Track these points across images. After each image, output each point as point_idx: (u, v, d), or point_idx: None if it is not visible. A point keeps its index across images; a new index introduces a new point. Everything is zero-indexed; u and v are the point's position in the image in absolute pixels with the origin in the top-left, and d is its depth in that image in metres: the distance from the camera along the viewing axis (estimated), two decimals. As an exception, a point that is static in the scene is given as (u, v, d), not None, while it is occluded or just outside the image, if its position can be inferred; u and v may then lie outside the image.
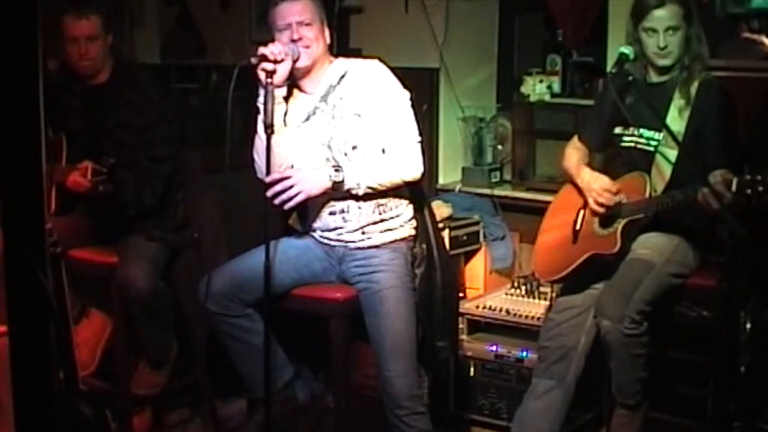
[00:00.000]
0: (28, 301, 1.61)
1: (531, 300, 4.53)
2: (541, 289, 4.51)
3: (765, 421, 3.68)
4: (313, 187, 3.48)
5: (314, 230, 3.69)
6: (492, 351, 4.33)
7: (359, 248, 3.61)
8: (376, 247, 3.60)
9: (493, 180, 5.12)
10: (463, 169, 5.21)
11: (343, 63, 3.67)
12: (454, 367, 4.34)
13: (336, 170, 3.48)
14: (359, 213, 3.59)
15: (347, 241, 3.62)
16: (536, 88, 4.97)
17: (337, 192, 3.51)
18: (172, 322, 4.15)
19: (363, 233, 3.60)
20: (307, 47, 3.54)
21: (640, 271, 3.56)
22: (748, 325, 3.43)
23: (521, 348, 4.27)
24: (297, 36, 3.52)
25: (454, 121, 5.27)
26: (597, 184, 3.72)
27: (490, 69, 5.50)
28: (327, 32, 3.64)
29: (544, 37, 5.33)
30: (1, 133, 1.54)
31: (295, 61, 3.50)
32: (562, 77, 5.06)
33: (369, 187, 3.51)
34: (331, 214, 3.61)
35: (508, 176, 5.21)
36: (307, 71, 3.61)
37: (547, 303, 4.30)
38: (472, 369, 4.36)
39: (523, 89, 5.02)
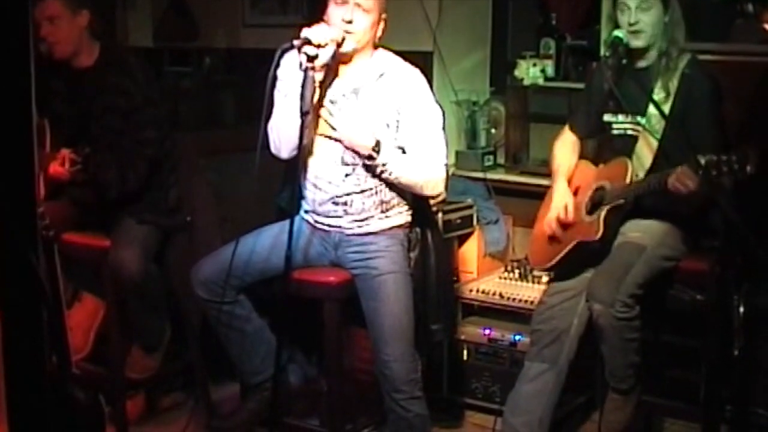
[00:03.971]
0: (20, 285, 1.61)
1: (524, 283, 4.53)
2: (535, 273, 4.50)
3: (757, 406, 3.70)
4: (355, 137, 3.44)
5: (309, 214, 3.68)
6: (485, 335, 4.33)
7: (356, 234, 3.61)
8: (374, 233, 3.60)
9: (487, 164, 5.12)
10: (457, 153, 5.20)
11: (383, 59, 3.59)
12: (448, 351, 4.35)
13: (377, 145, 3.43)
14: (361, 208, 3.57)
15: (344, 228, 3.62)
16: (530, 71, 4.96)
17: (359, 162, 3.49)
18: (165, 306, 4.15)
19: (361, 220, 3.60)
20: (353, 34, 3.43)
21: (631, 254, 3.56)
22: (742, 309, 3.44)
23: (514, 331, 4.27)
24: (349, 18, 3.41)
25: (448, 105, 5.25)
26: (553, 213, 3.77)
27: (483, 52, 5.48)
28: (382, 26, 3.53)
29: (537, 20, 5.31)
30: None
31: (338, 46, 3.39)
32: (556, 61, 5.06)
33: (395, 176, 3.47)
34: (334, 203, 3.59)
35: (501, 160, 5.21)
36: (347, 58, 3.52)
37: (541, 287, 4.29)
38: (465, 353, 4.37)
39: (517, 73, 5.01)
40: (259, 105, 3.38)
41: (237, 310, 3.62)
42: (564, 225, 3.78)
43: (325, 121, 3.53)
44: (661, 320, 3.87)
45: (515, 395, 3.76)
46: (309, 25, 3.37)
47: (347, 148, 3.50)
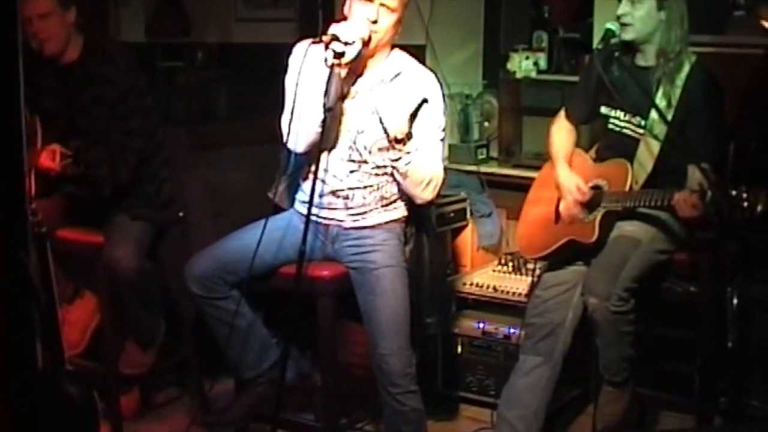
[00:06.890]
0: (12, 281, 1.60)
1: (518, 277, 4.53)
2: (528, 265, 4.49)
3: (751, 397, 3.70)
4: (394, 115, 3.37)
5: (306, 206, 3.66)
6: (479, 328, 4.33)
7: (354, 228, 3.60)
8: (371, 227, 3.59)
9: (480, 157, 5.12)
10: (450, 146, 5.19)
11: (399, 59, 3.58)
12: (442, 345, 4.35)
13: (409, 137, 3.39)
14: (362, 202, 3.57)
15: (341, 221, 3.61)
16: (522, 64, 4.96)
17: (365, 159, 3.49)
18: (160, 302, 4.14)
19: (359, 214, 3.59)
20: (377, 33, 3.40)
21: (626, 248, 3.56)
22: (735, 301, 3.44)
23: (509, 325, 4.27)
24: (375, 17, 3.38)
25: (441, 99, 5.25)
26: (569, 192, 3.73)
27: (476, 46, 5.47)
28: (399, 26, 3.50)
29: (530, 13, 5.31)
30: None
31: (365, 44, 3.35)
32: (549, 54, 5.05)
33: (410, 168, 3.42)
34: (335, 196, 3.58)
35: (494, 153, 5.21)
36: (370, 55, 3.49)
37: (534, 280, 4.29)
38: (459, 346, 4.37)
39: (510, 66, 5.01)
40: (254, 100, 3.35)
41: (230, 305, 3.60)
42: (558, 218, 3.78)
43: (339, 119, 3.52)
44: (655, 313, 3.88)
45: (510, 389, 3.76)
46: (334, 22, 3.35)
47: (388, 132, 3.42)
